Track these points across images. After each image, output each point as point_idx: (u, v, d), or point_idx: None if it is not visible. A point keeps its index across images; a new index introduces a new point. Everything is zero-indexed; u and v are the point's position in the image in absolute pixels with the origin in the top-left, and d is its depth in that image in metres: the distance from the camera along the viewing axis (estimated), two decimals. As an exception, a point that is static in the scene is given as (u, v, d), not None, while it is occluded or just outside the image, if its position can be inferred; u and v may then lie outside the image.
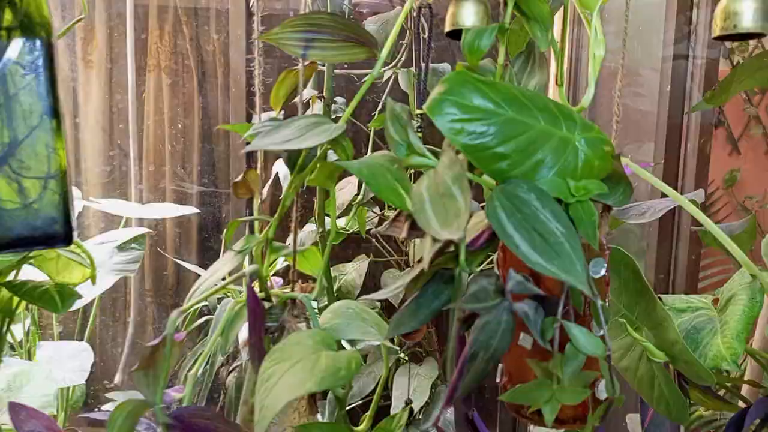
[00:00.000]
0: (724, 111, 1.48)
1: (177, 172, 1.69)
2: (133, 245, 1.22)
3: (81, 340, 1.38)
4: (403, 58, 1.11)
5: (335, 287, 1.29)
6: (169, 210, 1.47)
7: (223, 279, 0.39)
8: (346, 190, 1.21)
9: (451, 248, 0.36)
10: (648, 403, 0.44)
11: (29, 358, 1.21)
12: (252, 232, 0.43)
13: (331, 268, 1.25)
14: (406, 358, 1.31)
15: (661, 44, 1.00)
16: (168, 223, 1.66)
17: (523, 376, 0.37)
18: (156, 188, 1.66)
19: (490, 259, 0.52)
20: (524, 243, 0.30)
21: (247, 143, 0.38)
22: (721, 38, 0.37)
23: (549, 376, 0.32)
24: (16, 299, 0.52)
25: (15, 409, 0.47)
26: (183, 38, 1.64)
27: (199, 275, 1.51)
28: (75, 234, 0.38)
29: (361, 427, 0.42)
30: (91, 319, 1.37)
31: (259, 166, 0.46)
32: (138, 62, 1.59)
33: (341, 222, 1.23)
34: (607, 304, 0.37)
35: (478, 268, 0.35)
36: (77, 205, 1.18)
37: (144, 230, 0.79)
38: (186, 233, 1.69)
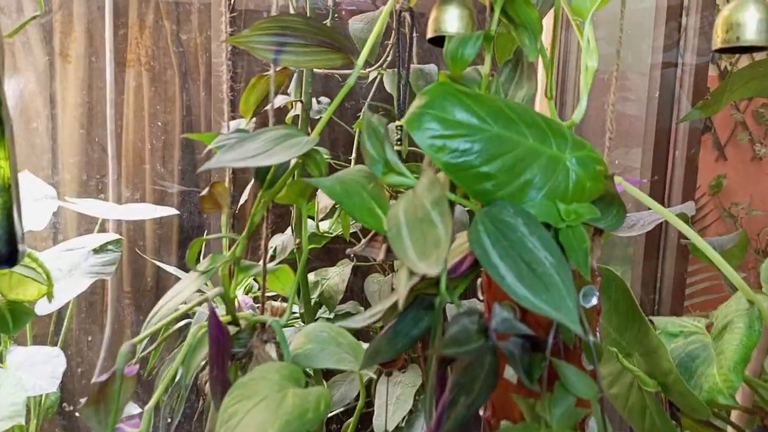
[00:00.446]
0: (711, 117, 1.46)
1: (157, 171, 1.64)
2: (109, 247, 1.18)
3: (56, 343, 1.33)
4: (389, 58, 1.08)
5: (317, 292, 1.26)
6: (147, 211, 1.42)
7: (186, 302, 0.36)
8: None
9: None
10: (634, 426, 0.42)
11: (0, 362, 1.17)
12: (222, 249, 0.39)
13: (313, 273, 1.22)
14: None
15: (650, 50, 0.98)
16: (148, 223, 1.61)
17: (508, 411, 0.34)
18: (135, 187, 1.62)
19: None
20: (510, 274, 0.27)
21: (214, 153, 0.35)
22: (722, 51, 0.35)
23: (536, 416, 0.29)
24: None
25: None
26: (164, 33, 1.59)
27: (178, 278, 1.48)
28: (21, 252, 0.34)
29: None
30: (65, 322, 1.33)
31: (227, 177, 0.42)
32: (118, 57, 1.54)
33: (325, 225, 1.20)
34: (598, 335, 0.35)
35: (460, 298, 0.32)
36: (51, 205, 1.14)
37: (115, 236, 0.76)
38: (166, 234, 1.64)
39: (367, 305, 1.25)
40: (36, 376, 1.09)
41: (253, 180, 0.46)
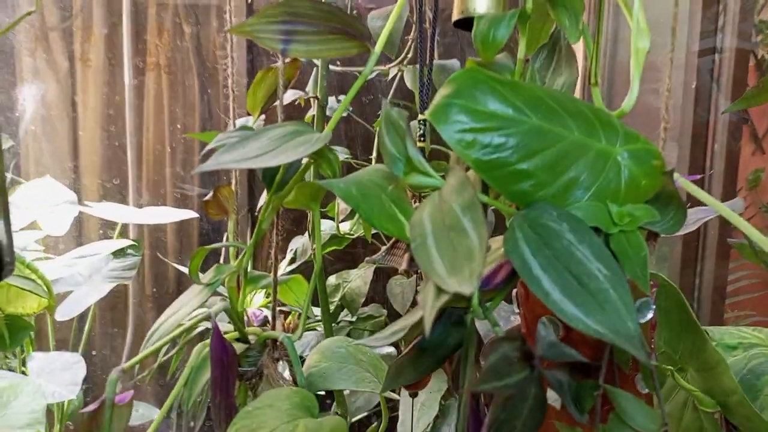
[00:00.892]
0: (748, 108, 1.39)
1: (177, 175, 1.63)
2: (129, 251, 1.16)
3: (77, 348, 1.32)
4: (409, 54, 1.04)
5: (339, 295, 1.23)
6: (168, 214, 1.41)
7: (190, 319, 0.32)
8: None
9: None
10: (695, 459, 0.37)
11: (23, 366, 1.16)
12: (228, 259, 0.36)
13: (335, 276, 1.18)
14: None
15: (687, 37, 0.92)
16: (168, 226, 1.60)
17: (549, 441, 0.30)
18: (155, 190, 1.60)
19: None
20: (556, 289, 0.23)
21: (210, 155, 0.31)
22: None
23: (585, 451, 0.25)
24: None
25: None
26: (182, 36, 1.58)
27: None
28: (9, 265, 0.31)
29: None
30: (87, 327, 1.31)
31: (234, 180, 0.39)
32: (136, 61, 1.53)
33: (345, 226, 1.17)
34: (653, 355, 0.30)
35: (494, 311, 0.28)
36: (72, 210, 1.13)
37: (128, 242, 0.73)
38: (186, 237, 1.63)
39: (389, 308, 1.21)
40: (56, 383, 1.08)
41: (205, 199, 0.42)
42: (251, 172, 1.57)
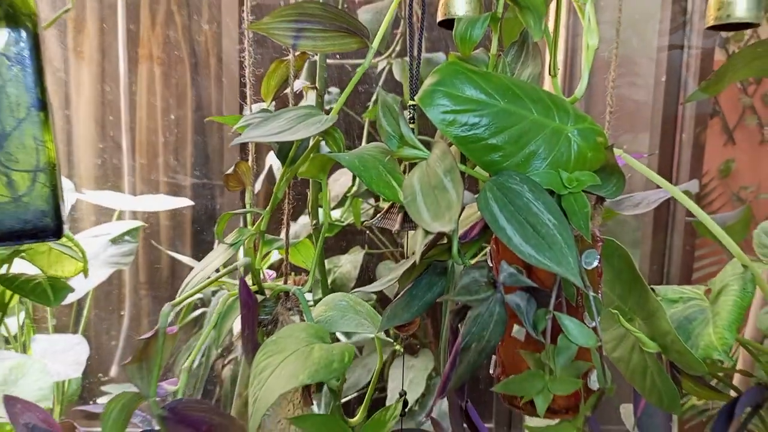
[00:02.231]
0: (719, 101, 1.48)
1: (170, 164, 1.68)
2: (126, 238, 1.22)
3: (75, 333, 1.38)
4: (397, 48, 1.11)
5: (330, 279, 1.30)
6: (162, 202, 1.46)
7: (217, 271, 0.39)
8: (341, 182, 1.21)
9: (444, 240, 0.36)
10: (640, 393, 0.44)
11: (24, 351, 1.22)
12: (246, 224, 0.43)
13: (326, 261, 1.25)
14: (402, 351, 1.32)
15: (656, 34, 1.00)
16: (161, 215, 1.65)
17: (516, 368, 0.37)
18: (149, 180, 1.66)
19: (484, 251, 0.52)
20: (516, 235, 0.30)
21: (238, 134, 0.38)
22: (715, 28, 0.37)
23: (541, 367, 0.32)
24: (9, 293, 0.52)
25: (10, 402, 0.47)
26: (175, 29, 1.63)
27: (193, 268, 1.51)
28: (66, 227, 0.37)
29: (355, 419, 0.42)
30: (85, 312, 1.37)
31: (251, 158, 0.45)
32: (129, 53, 1.58)
33: (336, 214, 1.23)
34: (599, 295, 0.37)
35: (472, 261, 0.35)
36: (69, 197, 1.18)
37: (138, 223, 0.79)
38: (180, 225, 1.68)
39: (379, 291, 1.27)
40: (60, 362, 1.14)
41: (266, 168, 0.48)
42: (242, 154, 1.62)
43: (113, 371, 1.50)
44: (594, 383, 0.35)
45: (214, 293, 1.14)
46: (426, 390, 1.29)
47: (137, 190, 1.63)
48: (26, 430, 0.45)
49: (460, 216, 0.30)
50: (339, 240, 1.49)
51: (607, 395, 0.33)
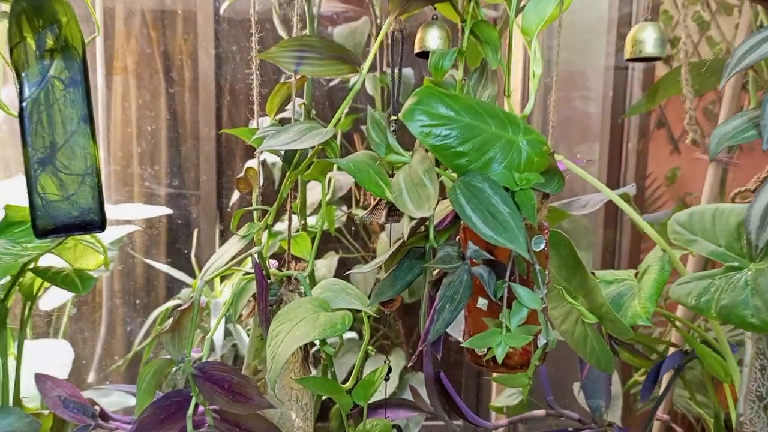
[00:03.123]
0: (666, 113, 1.62)
1: (145, 174, 1.73)
2: (108, 246, 1.28)
3: (56, 338, 1.42)
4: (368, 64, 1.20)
5: (306, 282, 1.36)
6: (140, 211, 1.52)
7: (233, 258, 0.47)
8: (315, 191, 1.29)
9: (422, 229, 0.45)
10: (583, 358, 0.54)
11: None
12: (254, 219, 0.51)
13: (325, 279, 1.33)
14: (375, 351, 1.41)
15: (604, 54, 1.12)
16: (137, 223, 1.70)
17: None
18: (124, 189, 1.71)
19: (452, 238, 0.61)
20: (480, 221, 0.39)
21: (217, 146, 0.47)
22: (631, 60, 0.48)
23: (500, 326, 0.42)
24: (36, 284, 0.59)
25: (41, 379, 0.54)
26: (150, 42, 1.69)
27: (169, 275, 1.57)
28: (106, 221, 0.45)
29: (347, 385, 0.51)
30: (65, 318, 1.41)
31: (257, 162, 0.54)
32: (106, 66, 1.63)
33: (311, 220, 1.31)
34: (547, 273, 0.47)
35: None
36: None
37: (134, 228, 0.86)
38: (155, 233, 1.73)
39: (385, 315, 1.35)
40: (48, 365, 1.19)
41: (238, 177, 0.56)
42: (219, 173, 1.69)
43: (91, 377, 1.54)
44: (542, 340, 0.44)
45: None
46: (399, 385, 1.38)
47: (113, 199, 1.67)
48: (58, 401, 0.52)
49: (435, 207, 0.39)
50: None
51: (550, 347, 0.43)
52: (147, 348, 1.23)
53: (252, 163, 1.22)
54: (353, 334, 1.39)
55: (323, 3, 1.23)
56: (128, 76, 1.67)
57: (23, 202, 0.44)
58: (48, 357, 1.21)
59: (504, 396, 0.83)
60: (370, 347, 1.40)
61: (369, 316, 0.48)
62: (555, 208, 0.78)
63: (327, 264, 1.48)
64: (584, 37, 1.22)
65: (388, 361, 0.50)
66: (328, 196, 1.30)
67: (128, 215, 1.47)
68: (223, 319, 0.83)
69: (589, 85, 1.31)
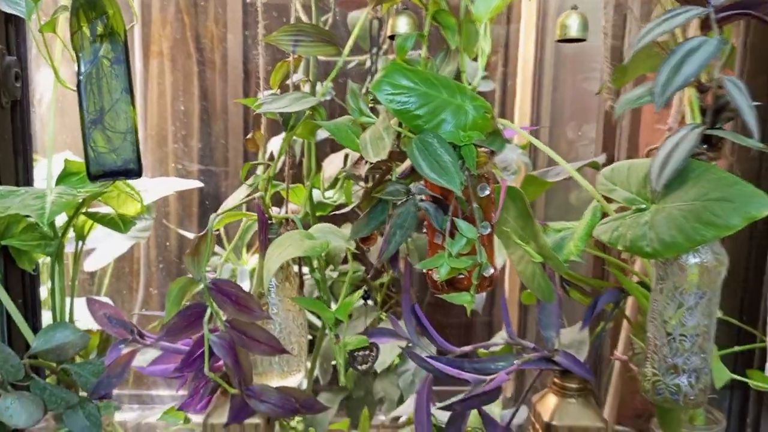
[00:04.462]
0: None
1: (178, 152, 1.89)
2: (143, 215, 1.44)
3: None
4: (385, 46, 1.32)
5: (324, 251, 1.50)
6: (175, 184, 1.67)
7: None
8: (334, 164, 1.42)
9: (387, 178, 0.58)
10: (532, 291, 0.66)
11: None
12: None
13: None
14: (386, 317, 1.54)
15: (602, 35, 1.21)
16: (171, 197, 1.86)
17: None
18: (159, 166, 1.87)
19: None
20: (427, 167, 0.51)
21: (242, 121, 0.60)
22: (560, 41, 0.59)
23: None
24: (86, 226, 0.73)
25: (90, 302, 0.68)
26: (183, 27, 1.84)
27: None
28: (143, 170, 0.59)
29: (333, 309, 0.64)
30: (106, 281, 1.58)
31: (263, 128, 0.67)
32: (142, 50, 1.79)
33: (330, 194, 1.45)
34: (495, 216, 0.59)
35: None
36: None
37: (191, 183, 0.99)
38: (187, 206, 1.89)
39: (367, 264, 1.48)
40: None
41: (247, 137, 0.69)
42: (246, 150, 1.83)
43: (129, 336, 1.72)
44: (487, 270, 0.56)
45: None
46: (400, 357, 1.51)
47: (150, 174, 1.84)
48: (105, 318, 0.67)
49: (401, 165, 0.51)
50: (332, 219, 1.71)
51: (483, 269, 0.55)
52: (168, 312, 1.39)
53: (275, 140, 1.36)
54: (370, 302, 1.52)
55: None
56: (163, 59, 1.82)
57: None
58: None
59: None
60: (383, 313, 1.53)
61: (354, 254, 0.61)
62: (536, 177, 0.90)
63: (342, 235, 1.60)
64: (596, 15, 1.31)
65: (365, 288, 0.63)
66: (347, 166, 1.43)
67: (162, 187, 1.62)
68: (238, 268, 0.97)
69: (594, 66, 1.40)
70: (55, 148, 1.39)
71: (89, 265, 1.40)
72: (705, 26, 0.51)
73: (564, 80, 1.55)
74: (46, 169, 0.67)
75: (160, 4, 1.82)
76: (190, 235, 1.71)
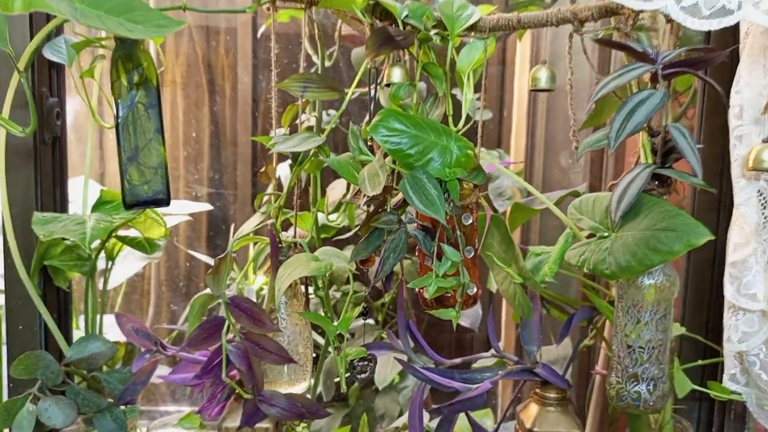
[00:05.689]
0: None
1: (189, 176, 1.99)
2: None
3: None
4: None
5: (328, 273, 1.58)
6: (186, 207, 1.77)
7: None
8: (337, 190, 1.52)
9: (383, 208, 0.67)
10: (514, 309, 0.74)
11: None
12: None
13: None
14: (384, 336, 1.62)
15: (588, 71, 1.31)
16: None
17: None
18: (172, 188, 1.96)
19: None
20: (416, 199, 0.61)
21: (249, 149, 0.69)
22: (532, 90, 0.68)
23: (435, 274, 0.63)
24: (116, 248, 0.83)
25: (119, 316, 0.77)
26: (196, 57, 1.95)
27: (209, 264, 1.82)
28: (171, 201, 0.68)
29: (336, 323, 0.72)
30: (119, 298, 1.67)
31: (274, 162, 0.76)
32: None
33: (333, 217, 1.54)
34: (478, 242, 0.68)
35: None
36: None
37: (202, 206, 1.09)
38: (197, 228, 1.99)
39: (368, 284, 1.56)
40: (112, 332, 1.44)
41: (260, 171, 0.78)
42: (254, 174, 1.93)
43: (140, 353, 1.80)
44: (470, 289, 0.65)
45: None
46: (400, 374, 1.59)
47: (161, 197, 1.93)
48: (132, 331, 0.76)
49: (395, 196, 0.60)
50: (336, 242, 1.80)
51: (467, 289, 0.64)
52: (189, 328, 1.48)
53: (282, 166, 1.46)
54: (370, 321, 1.60)
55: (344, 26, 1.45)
56: (176, 87, 1.93)
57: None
58: (107, 328, 1.46)
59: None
60: (382, 333, 1.61)
61: (355, 275, 0.70)
62: (523, 205, 0.99)
63: (346, 257, 1.69)
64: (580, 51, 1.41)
65: (365, 304, 0.72)
66: (348, 196, 1.52)
67: (174, 210, 1.72)
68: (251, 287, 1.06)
69: (585, 97, 1.49)
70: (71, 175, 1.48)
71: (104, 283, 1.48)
72: (654, 80, 0.60)
73: (557, 111, 1.65)
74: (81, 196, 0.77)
75: (174, 34, 1.94)
76: (200, 256, 1.81)
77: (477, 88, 0.71)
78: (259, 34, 1.80)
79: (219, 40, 1.95)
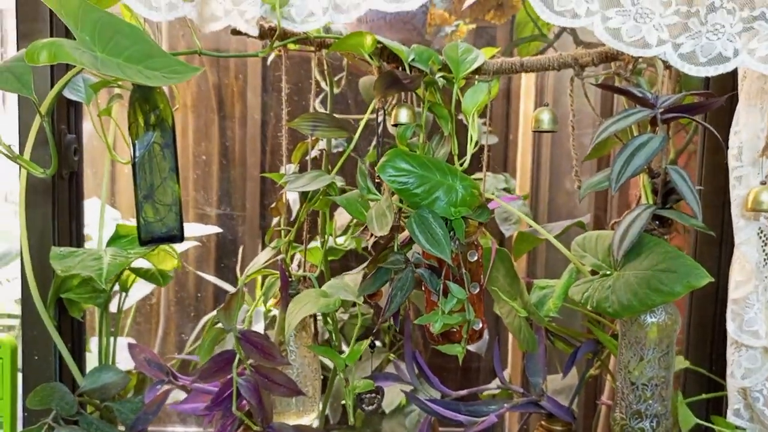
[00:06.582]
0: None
1: (198, 197, 2.02)
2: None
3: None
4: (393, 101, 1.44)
5: (335, 294, 1.60)
6: (196, 229, 1.80)
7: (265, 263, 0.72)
8: (344, 215, 1.54)
9: (389, 245, 0.69)
10: (519, 342, 0.76)
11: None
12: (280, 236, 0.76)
13: (333, 278, 1.57)
14: (395, 358, 1.63)
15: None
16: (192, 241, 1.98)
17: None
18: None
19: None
20: (423, 239, 0.63)
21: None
22: (535, 131, 0.71)
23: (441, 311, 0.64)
24: (129, 279, 0.85)
25: (131, 346, 0.79)
26: (206, 81, 1.99)
27: (218, 287, 1.84)
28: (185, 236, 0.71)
29: (344, 355, 0.74)
30: (129, 320, 1.69)
31: (284, 196, 0.79)
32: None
33: (341, 240, 1.56)
34: (483, 278, 0.70)
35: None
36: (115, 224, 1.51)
37: (193, 243, 1.11)
38: (206, 249, 2.01)
39: (376, 307, 1.59)
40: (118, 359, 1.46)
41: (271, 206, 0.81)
42: (263, 197, 1.96)
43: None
44: (475, 324, 0.67)
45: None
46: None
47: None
48: (144, 361, 0.78)
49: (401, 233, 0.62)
50: (344, 263, 1.82)
51: (473, 325, 0.65)
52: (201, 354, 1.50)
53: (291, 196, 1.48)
54: (377, 342, 1.62)
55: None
56: (187, 111, 1.97)
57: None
58: (121, 350, 1.48)
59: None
60: (391, 354, 1.63)
61: (358, 304, 0.72)
62: (528, 234, 1.00)
63: (353, 279, 1.71)
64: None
65: (372, 338, 0.74)
66: (355, 220, 1.54)
67: (188, 233, 1.75)
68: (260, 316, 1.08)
69: (589, 123, 1.52)
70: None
71: (114, 306, 1.51)
72: (653, 124, 0.62)
73: (562, 135, 1.67)
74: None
75: (185, 58, 1.98)
76: (209, 278, 1.83)
77: (483, 114, 0.74)
78: (268, 62, 1.83)
79: (229, 65, 1.99)
